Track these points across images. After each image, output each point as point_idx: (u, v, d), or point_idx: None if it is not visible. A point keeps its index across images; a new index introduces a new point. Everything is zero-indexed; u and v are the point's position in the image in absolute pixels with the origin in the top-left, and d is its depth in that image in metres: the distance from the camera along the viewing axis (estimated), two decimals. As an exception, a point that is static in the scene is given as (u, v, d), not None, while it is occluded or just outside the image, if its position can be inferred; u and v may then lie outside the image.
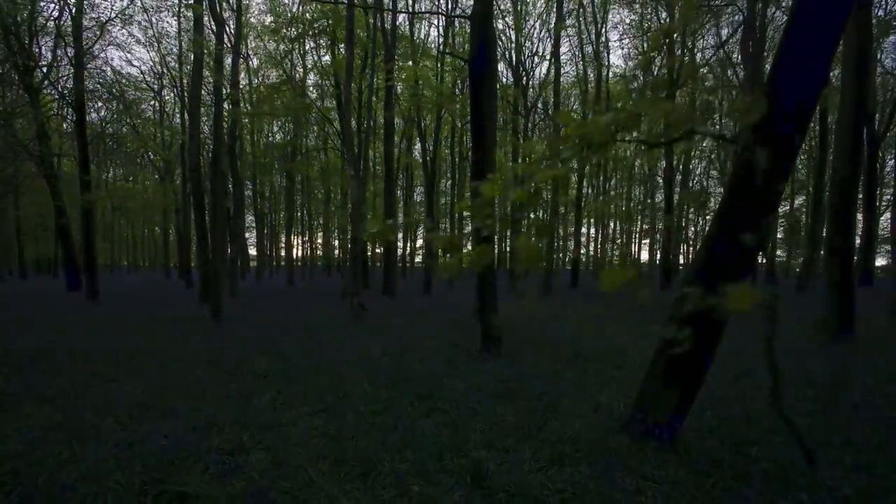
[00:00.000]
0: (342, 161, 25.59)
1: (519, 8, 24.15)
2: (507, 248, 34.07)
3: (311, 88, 21.67)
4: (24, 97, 19.73)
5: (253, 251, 41.93)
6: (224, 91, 13.94)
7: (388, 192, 19.97)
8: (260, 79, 25.23)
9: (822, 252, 18.77)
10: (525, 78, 27.08)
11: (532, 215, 43.80)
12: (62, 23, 18.79)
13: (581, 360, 7.16)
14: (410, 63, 19.73)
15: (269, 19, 20.14)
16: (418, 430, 4.21)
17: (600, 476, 3.27)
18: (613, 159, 32.37)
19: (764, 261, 43.60)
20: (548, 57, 26.65)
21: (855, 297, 9.08)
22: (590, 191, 32.83)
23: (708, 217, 35.38)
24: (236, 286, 19.52)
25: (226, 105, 14.86)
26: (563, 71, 26.97)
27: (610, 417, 4.52)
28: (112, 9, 29.78)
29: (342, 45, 14.74)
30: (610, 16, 25.28)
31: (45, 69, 19.68)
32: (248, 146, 29.03)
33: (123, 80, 25.84)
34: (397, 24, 18.97)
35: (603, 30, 25.06)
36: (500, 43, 25.57)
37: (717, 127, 30.09)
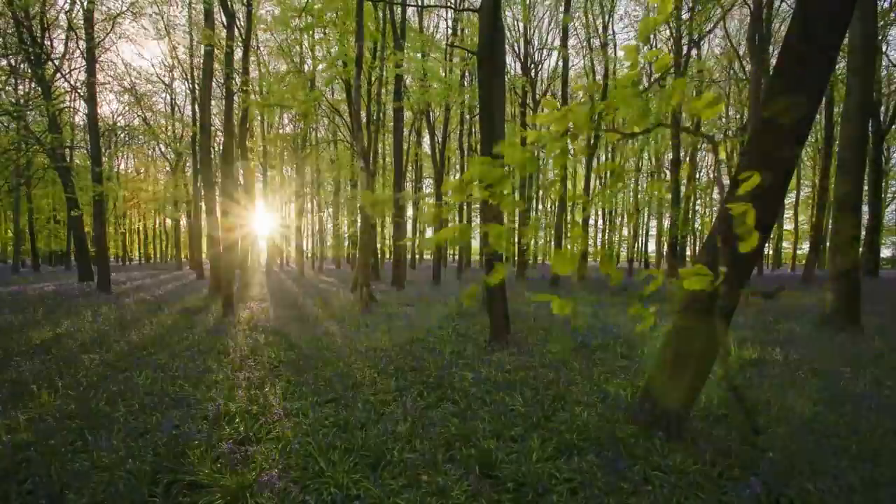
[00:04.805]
0: (352, 153, 25.62)
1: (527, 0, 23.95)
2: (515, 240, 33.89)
3: (319, 79, 21.57)
4: (37, 89, 19.89)
5: (263, 243, 42.17)
6: (234, 83, 13.97)
7: (397, 184, 19.97)
8: (269, 69, 25.25)
9: (827, 243, 18.72)
10: (533, 70, 26.89)
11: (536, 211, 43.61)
12: (74, 16, 18.90)
13: (588, 350, 7.17)
14: (420, 56, 19.58)
15: (277, 10, 20.12)
16: (427, 420, 4.24)
17: (608, 466, 3.27)
18: (620, 152, 32.27)
19: (771, 252, 43.49)
20: (556, 48, 26.43)
21: (861, 288, 9.03)
22: (597, 182, 32.55)
23: (715, 209, 35.13)
24: (247, 277, 19.63)
25: (236, 98, 14.88)
26: (571, 63, 26.80)
27: (617, 407, 4.53)
28: (123, 2, 29.93)
29: (352, 38, 14.68)
30: (616, 8, 24.98)
31: (57, 62, 19.81)
32: (259, 138, 29.12)
33: (134, 73, 26.01)
34: (406, 17, 18.92)
35: (610, 22, 24.86)
36: (509, 34, 25.40)
37: (724, 119, 29.94)
